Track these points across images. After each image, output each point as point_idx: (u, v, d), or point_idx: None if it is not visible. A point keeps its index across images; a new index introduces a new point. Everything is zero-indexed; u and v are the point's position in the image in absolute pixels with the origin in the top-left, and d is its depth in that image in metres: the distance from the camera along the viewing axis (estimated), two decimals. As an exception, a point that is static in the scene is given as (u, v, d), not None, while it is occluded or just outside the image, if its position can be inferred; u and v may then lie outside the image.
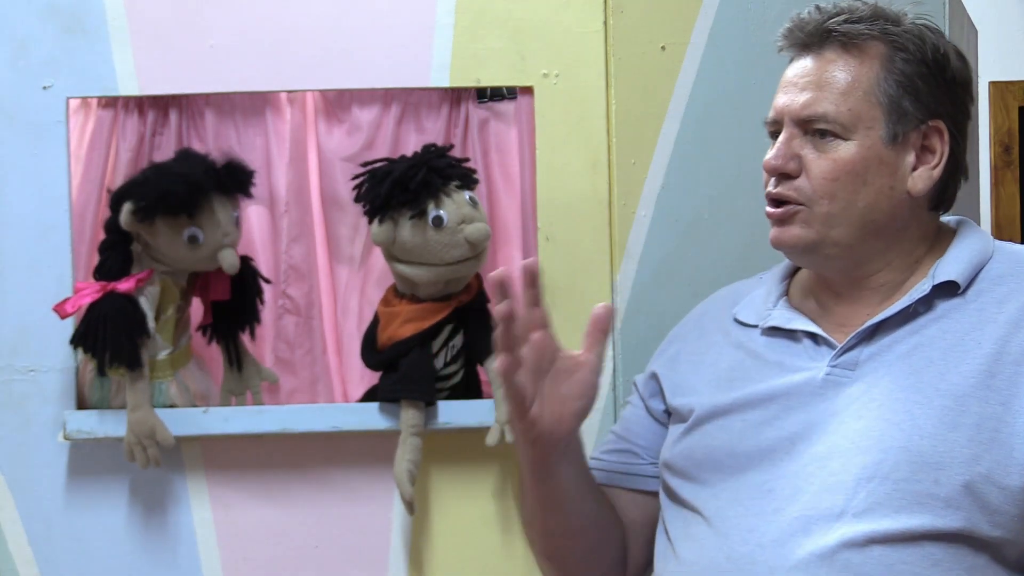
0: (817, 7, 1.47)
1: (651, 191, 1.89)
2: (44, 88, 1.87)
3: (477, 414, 1.85)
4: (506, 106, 2.01)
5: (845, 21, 1.44)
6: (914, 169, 1.43)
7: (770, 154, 1.45)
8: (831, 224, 1.43)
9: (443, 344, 1.86)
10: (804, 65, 1.45)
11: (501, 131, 2.02)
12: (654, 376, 1.62)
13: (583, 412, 1.43)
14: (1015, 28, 3.94)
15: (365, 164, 1.86)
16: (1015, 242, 3.92)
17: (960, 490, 1.32)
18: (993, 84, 3.85)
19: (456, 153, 1.92)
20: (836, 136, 1.42)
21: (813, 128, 1.43)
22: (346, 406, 1.93)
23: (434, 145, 1.86)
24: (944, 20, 1.93)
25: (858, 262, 1.46)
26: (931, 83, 1.43)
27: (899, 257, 1.46)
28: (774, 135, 1.48)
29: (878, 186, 1.42)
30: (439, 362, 1.87)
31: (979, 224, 2.55)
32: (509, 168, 2.02)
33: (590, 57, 1.89)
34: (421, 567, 1.90)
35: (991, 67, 3.52)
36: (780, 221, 1.45)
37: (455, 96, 2.02)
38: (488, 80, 1.91)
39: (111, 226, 1.84)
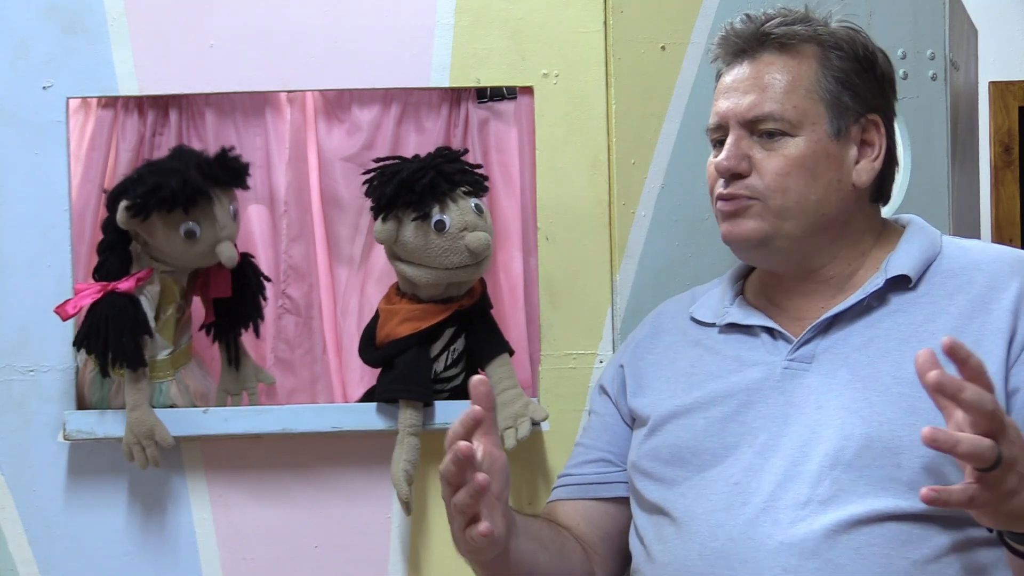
0: (747, 16, 1.52)
1: (651, 191, 1.89)
2: (44, 88, 1.87)
3: (477, 414, 1.85)
4: (506, 106, 2.01)
5: (779, 24, 1.49)
6: (857, 162, 1.49)
7: (721, 156, 1.49)
8: (784, 217, 1.47)
9: (444, 347, 1.86)
10: (743, 70, 1.51)
11: (501, 131, 2.02)
12: (621, 368, 1.64)
13: (507, 496, 1.42)
14: (1015, 28, 3.94)
15: (378, 160, 1.85)
16: (1016, 242, 3.91)
17: (921, 472, 1.35)
18: (993, 84, 3.85)
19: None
20: (784, 134, 1.47)
21: (760, 128, 1.48)
22: (346, 406, 1.93)
23: (448, 149, 1.86)
24: (944, 20, 1.94)
25: (807, 255, 1.50)
26: (865, 79, 1.49)
27: (845, 250, 1.50)
28: (717, 142, 1.53)
29: (827, 179, 1.47)
30: (440, 365, 1.87)
31: (979, 224, 2.54)
32: (509, 168, 2.02)
33: (590, 57, 1.89)
34: (421, 567, 1.90)
35: (991, 67, 3.52)
36: (732, 215, 1.49)
37: (455, 96, 2.02)
38: (488, 80, 1.91)
39: (108, 226, 1.84)
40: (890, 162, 1.52)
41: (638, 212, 1.89)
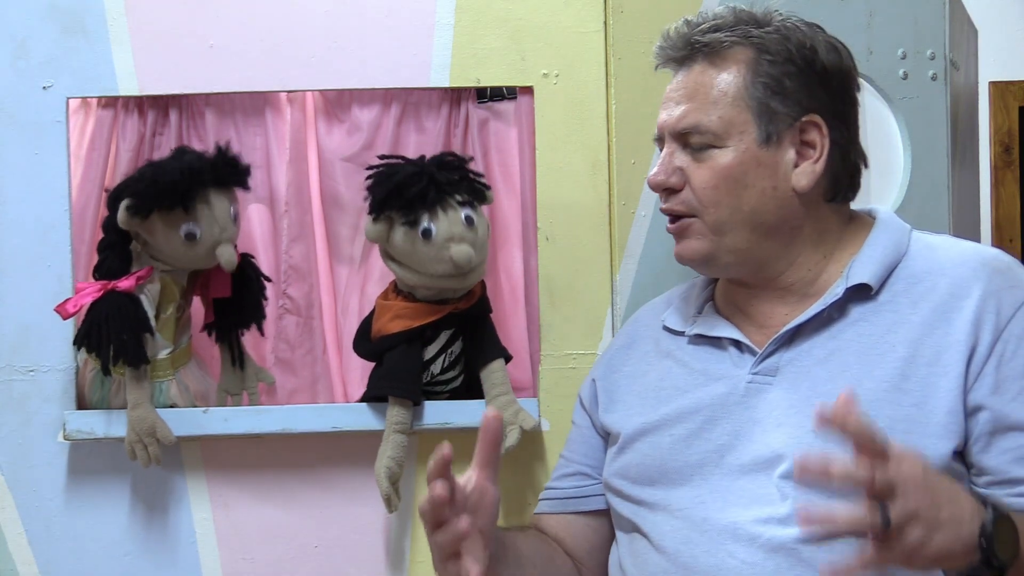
0: (686, 20, 1.48)
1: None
2: (44, 88, 1.87)
3: (474, 414, 1.84)
4: (506, 106, 2.01)
5: (707, 31, 1.45)
6: (796, 166, 1.44)
7: (653, 170, 1.48)
8: (722, 232, 1.45)
9: (442, 349, 1.86)
10: (677, 79, 1.48)
11: (501, 131, 2.02)
12: (594, 382, 1.64)
13: (493, 530, 1.39)
14: (1015, 28, 3.94)
15: (382, 157, 1.85)
16: (1016, 242, 3.90)
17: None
18: (993, 84, 3.85)
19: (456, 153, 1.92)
20: (711, 146, 1.44)
21: (689, 141, 1.45)
22: (346, 406, 1.93)
23: (452, 155, 1.85)
24: (944, 20, 1.93)
25: (759, 265, 1.47)
26: (800, 79, 1.43)
27: (803, 255, 1.47)
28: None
29: (760, 188, 1.43)
30: (437, 367, 1.87)
31: (979, 224, 2.53)
32: (509, 168, 2.02)
33: (590, 57, 1.89)
34: (420, 567, 1.90)
35: (991, 67, 3.52)
36: (678, 235, 1.48)
37: (455, 96, 2.02)
38: (488, 80, 1.91)
39: (109, 225, 1.84)
40: (845, 159, 1.46)
41: (638, 212, 1.89)
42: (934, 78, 1.93)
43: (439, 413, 1.85)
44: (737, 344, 1.48)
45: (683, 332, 1.54)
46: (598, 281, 1.90)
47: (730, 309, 1.53)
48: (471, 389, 1.90)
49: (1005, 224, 3.91)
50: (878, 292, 1.43)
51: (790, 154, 1.44)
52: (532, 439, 1.87)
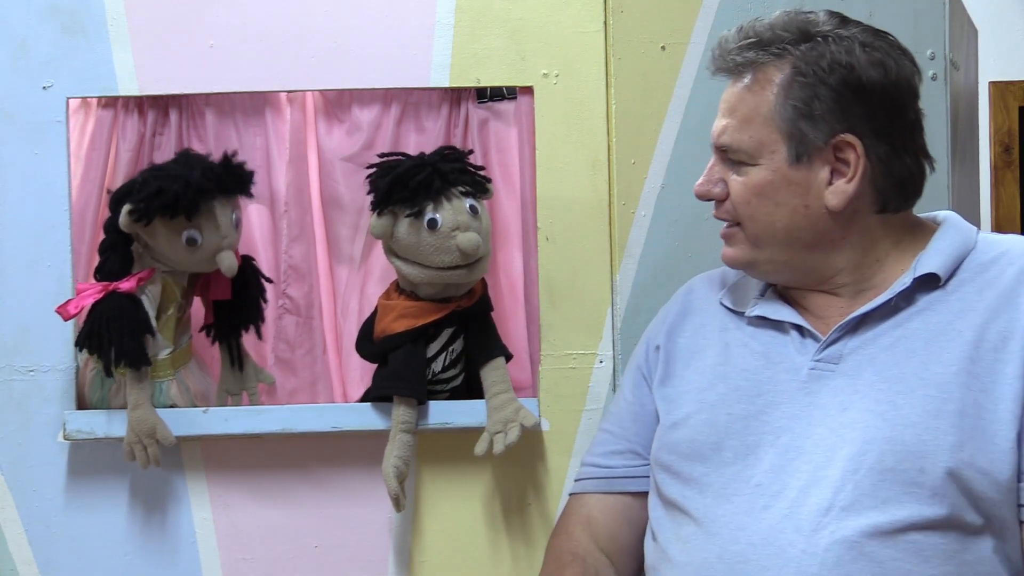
0: (739, 28, 1.48)
1: (651, 191, 1.89)
2: (44, 88, 1.87)
3: (475, 414, 1.85)
4: (506, 106, 2.01)
5: (750, 47, 1.45)
6: (830, 184, 1.43)
7: (698, 180, 1.51)
8: (759, 243, 1.47)
9: (443, 347, 1.86)
10: (728, 90, 1.49)
11: (501, 131, 2.02)
12: (658, 349, 1.62)
13: None
14: (1015, 28, 3.94)
15: (382, 155, 1.85)
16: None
17: (944, 477, 1.33)
18: (993, 84, 3.85)
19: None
20: (745, 163, 1.46)
21: (728, 155, 1.48)
22: (346, 406, 1.93)
23: (451, 148, 1.85)
24: (944, 20, 1.93)
25: (803, 272, 1.48)
26: (833, 100, 1.41)
27: (850, 261, 1.47)
28: None
29: (792, 206, 1.44)
30: (438, 365, 1.86)
31: (979, 224, 2.54)
32: (509, 168, 2.02)
33: (590, 57, 1.89)
34: (421, 567, 1.90)
35: (991, 67, 3.52)
36: (725, 240, 1.51)
37: (455, 96, 2.02)
38: (488, 80, 1.91)
39: (111, 227, 1.84)
40: (888, 172, 1.43)
41: (638, 212, 1.89)
42: (934, 78, 1.93)
43: (440, 413, 1.85)
44: (799, 329, 1.48)
45: (743, 312, 1.54)
46: (598, 281, 1.90)
47: (791, 293, 1.53)
48: (471, 388, 1.90)
49: (1005, 224, 3.91)
50: (946, 283, 1.43)
51: (823, 173, 1.43)
52: (532, 439, 1.87)
